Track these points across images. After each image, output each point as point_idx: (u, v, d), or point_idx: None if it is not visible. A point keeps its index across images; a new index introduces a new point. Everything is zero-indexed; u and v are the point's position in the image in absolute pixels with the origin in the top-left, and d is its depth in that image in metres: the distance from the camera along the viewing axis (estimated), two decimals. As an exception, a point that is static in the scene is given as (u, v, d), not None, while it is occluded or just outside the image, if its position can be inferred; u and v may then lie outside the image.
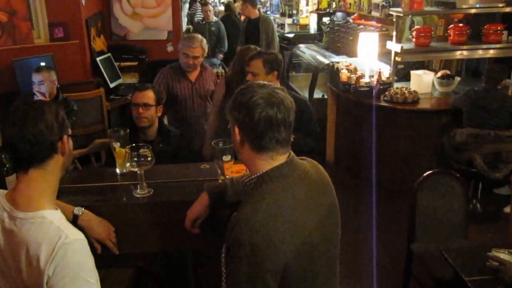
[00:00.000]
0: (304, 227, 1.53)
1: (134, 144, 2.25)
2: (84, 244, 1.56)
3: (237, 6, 6.79)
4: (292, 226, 1.50)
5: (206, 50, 4.07)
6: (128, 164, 2.23)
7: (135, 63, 6.03)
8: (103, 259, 2.16)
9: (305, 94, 6.17)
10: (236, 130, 1.60)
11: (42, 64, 4.58)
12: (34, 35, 5.05)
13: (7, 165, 2.19)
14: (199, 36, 4.06)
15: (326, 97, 6.02)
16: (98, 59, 5.42)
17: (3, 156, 2.19)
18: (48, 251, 1.48)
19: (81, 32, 5.27)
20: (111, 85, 5.41)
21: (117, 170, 2.50)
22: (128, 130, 2.59)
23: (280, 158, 1.59)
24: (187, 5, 9.21)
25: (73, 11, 5.15)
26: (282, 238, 1.47)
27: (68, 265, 1.49)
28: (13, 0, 4.75)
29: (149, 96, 3.14)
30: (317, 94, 6.22)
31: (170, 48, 6.16)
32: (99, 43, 5.83)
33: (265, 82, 1.65)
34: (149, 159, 2.20)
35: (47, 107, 1.61)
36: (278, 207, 1.51)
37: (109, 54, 5.79)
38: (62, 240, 1.49)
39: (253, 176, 1.61)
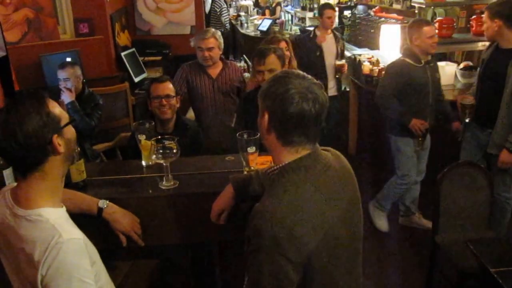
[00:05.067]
0: (326, 219, 1.52)
1: (159, 137, 2.29)
2: (79, 243, 1.51)
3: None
4: (314, 218, 1.49)
5: (222, 42, 3.98)
6: (154, 157, 2.24)
7: (159, 58, 6.06)
8: (129, 251, 2.21)
9: (327, 87, 6.15)
10: (266, 116, 1.57)
11: (68, 59, 4.65)
12: (59, 31, 5.13)
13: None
14: (212, 29, 4.05)
15: (348, 89, 6.00)
16: (122, 54, 5.47)
17: None
18: (41, 250, 1.45)
19: (106, 27, 5.33)
20: (136, 80, 5.46)
21: (143, 163, 2.53)
22: (153, 123, 2.63)
23: (304, 151, 1.58)
24: (209, 0, 9.16)
25: (98, 7, 5.21)
26: (304, 230, 1.45)
27: (61, 265, 1.45)
28: (40, -3, 4.84)
29: (169, 87, 3.14)
30: (339, 87, 6.19)
31: (193, 43, 6.18)
32: (123, 38, 5.89)
33: (304, 74, 1.60)
34: (174, 151, 2.22)
35: (24, 113, 1.49)
36: (300, 199, 1.50)
37: (133, 49, 5.83)
38: (55, 240, 1.46)
39: (276, 167, 1.60)
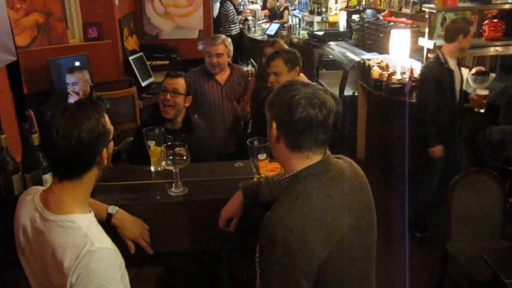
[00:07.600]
0: (338, 227, 1.50)
1: (169, 143, 2.27)
2: (110, 252, 1.52)
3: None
4: (326, 227, 1.47)
5: (231, 49, 3.95)
6: (163, 163, 2.22)
7: (167, 62, 6.10)
8: (137, 258, 2.18)
9: (335, 91, 6.13)
10: (274, 125, 1.57)
11: (77, 63, 4.67)
12: (68, 35, 5.16)
13: (44, 163, 2.23)
14: (222, 35, 4.03)
15: (356, 94, 5.98)
16: (130, 58, 5.50)
17: (40, 154, 2.22)
18: (72, 257, 1.45)
19: (114, 31, 5.37)
20: (143, 84, 5.47)
21: (152, 168, 2.51)
22: (163, 129, 2.61)
23: (315, 157, 1.57)
24: (217, 4, 9.20)
25: (106, 12, 5.25)
26: (316, 238, 1.44)
27: (91, 273, 1.45)
28: (49, 1, 4.86)
29: (180, 83, 3.06)
30: (347, 92, 6.18)
31: (201, 47, 6.18)
32: (131, 43, 5.91)
33: (309, 81, 1.62)
34: (184, 157, 2.20)
35: (85, 121, 1.51)
36: (312, 207, 1.48)
37: (141, 53, 5.86)
38: (87, 248, 1.46)
39: (287, 175, 1.58)
